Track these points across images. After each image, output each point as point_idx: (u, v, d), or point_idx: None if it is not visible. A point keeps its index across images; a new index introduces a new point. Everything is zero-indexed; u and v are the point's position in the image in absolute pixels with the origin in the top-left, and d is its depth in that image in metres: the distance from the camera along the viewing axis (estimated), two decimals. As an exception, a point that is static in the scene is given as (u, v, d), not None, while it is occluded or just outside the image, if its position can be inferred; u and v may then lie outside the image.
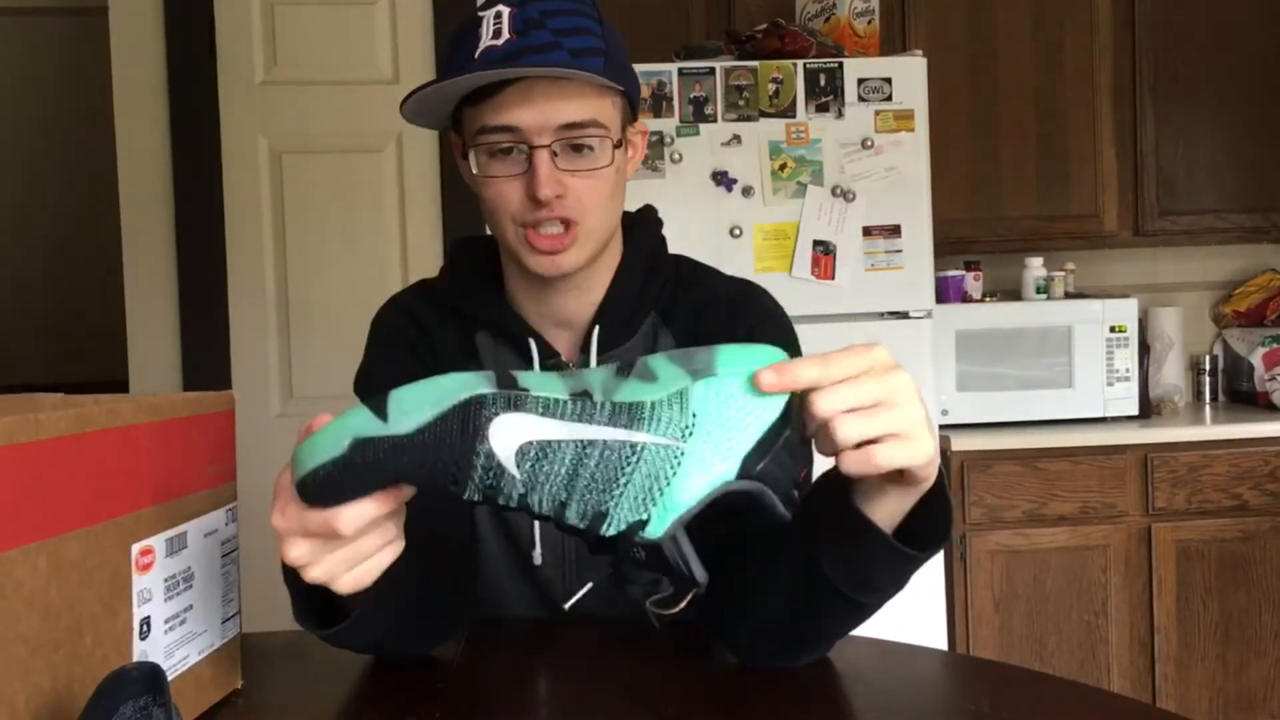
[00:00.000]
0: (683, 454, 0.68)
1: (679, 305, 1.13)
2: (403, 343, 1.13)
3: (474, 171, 1.04)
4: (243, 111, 2.76)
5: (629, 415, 0.69)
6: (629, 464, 0.68)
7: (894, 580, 0.86)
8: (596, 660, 0.98)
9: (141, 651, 0.78)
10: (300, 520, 0.73)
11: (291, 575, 0.83)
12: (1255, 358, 3.11)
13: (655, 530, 0.68)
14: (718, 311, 1.12)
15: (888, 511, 0.81)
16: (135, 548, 0.77)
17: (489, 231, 1.10)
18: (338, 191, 2.79)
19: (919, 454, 0.74)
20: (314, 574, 0.76)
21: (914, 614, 2.59)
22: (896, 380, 0.73)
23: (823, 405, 0.71)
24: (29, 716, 0.66)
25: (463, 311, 1.12)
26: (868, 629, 0.95)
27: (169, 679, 0.68)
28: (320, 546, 0.75)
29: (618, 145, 1.05)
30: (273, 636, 1.11)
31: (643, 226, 1.16)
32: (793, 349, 1.16)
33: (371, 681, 0.96)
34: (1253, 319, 3.28)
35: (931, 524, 0.82)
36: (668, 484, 0.68)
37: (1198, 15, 3.04)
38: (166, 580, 0.81)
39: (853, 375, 0.72)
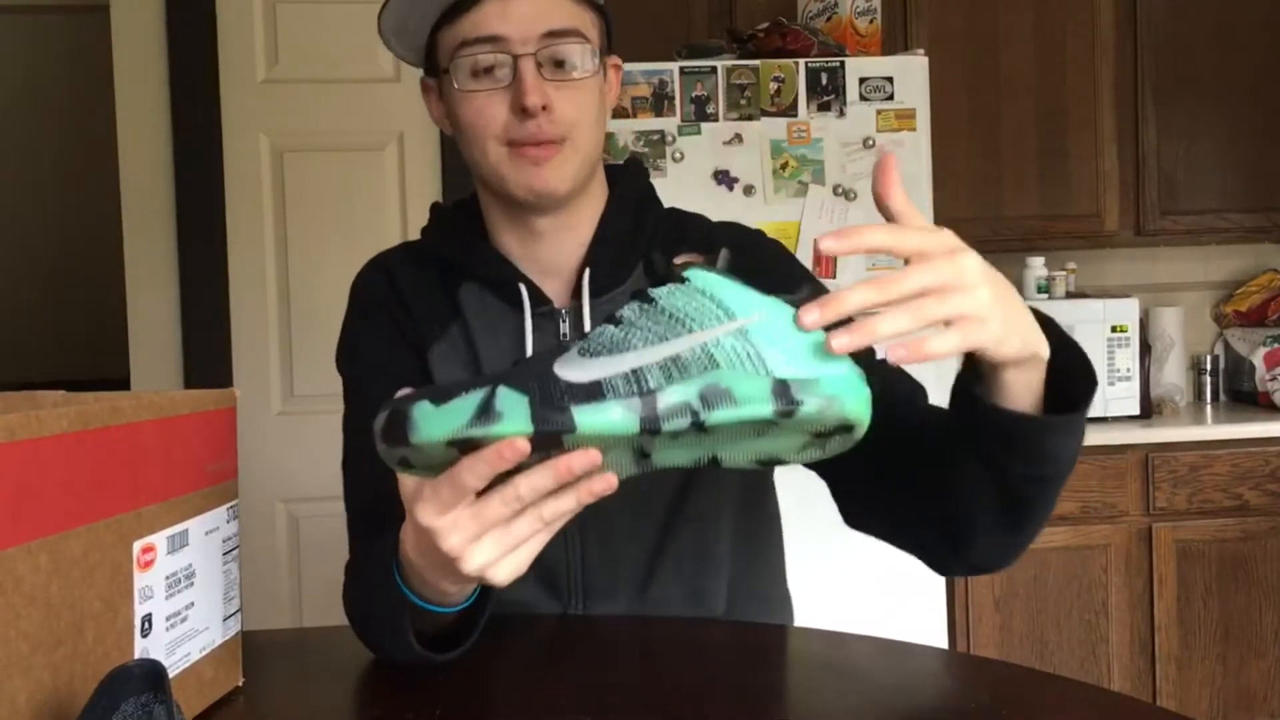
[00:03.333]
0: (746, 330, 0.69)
1: (672, 249, 1.08)
2: (382, 311, 1.11)
3: (455, 88, 1.01)
4: (244, 109, 2.76)
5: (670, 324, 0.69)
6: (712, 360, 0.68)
7: (1066, 445, 0.80)
8: (597, 659, 0.98)
9: (143, 649, 0.78)
10: (453, 484, 0.72)
11: (399, 610, 0.87)
12: (1256, 358, 3.11)
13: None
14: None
15: (1019, 391, 0.78)
16: (136, 545, 0.77)
17: (469, 163, 1.07)
18: (339, 190, 2.79)
19: (983, 337, 0.71)
20: (476, 560, 0.75)
21: (914, 612, 2.59)
22: (963, 263, 0.70)
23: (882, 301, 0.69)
24: (30, 713, 0.67)
25: (448, 262, 1.10)
26: (868, 628, 0.95)
27: (170, 676, 0.68)
28: (477, 530, 0.74)
29: (600, 56, 1.04)
30: (274, 634, 1.11)
31: (630, 172, 1.14)
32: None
33: (372, 679, 0.96)
34: (1254, 319, 3.28)
35: (1071, 379, 0.79)
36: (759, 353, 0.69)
37: (1199, 14, 3.04)
38: (168, 578, 0.81)
39: (924, 252, 0.70)
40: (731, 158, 2.58)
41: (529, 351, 1.04)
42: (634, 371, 0.68)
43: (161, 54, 2.73)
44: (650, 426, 0.68)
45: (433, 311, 1.08)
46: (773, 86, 2.58)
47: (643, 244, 1.09)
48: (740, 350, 0.68)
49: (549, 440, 0.69)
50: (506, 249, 1.09)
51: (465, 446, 0.70)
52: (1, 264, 4.33)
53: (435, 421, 0.69)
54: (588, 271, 1.06)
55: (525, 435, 0.68)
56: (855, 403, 0.69)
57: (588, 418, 0.68)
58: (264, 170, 2.77)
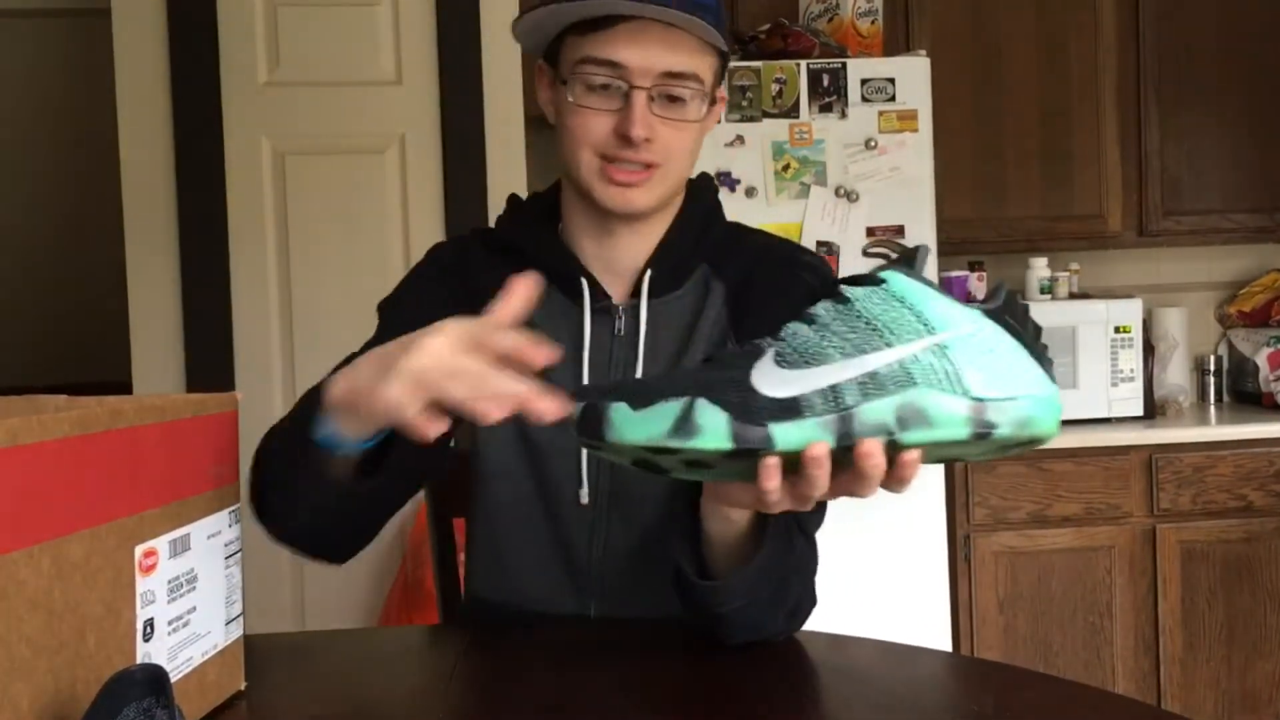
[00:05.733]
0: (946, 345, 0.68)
1: (732, 257, 1.14)
2: (445, 279, 1.15)
3: (569, 99, 1.05)
4: (246, 112, 2.76)
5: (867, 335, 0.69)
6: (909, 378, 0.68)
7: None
8: (599, 660, 0.98)
9: (145, 653, 0.78)
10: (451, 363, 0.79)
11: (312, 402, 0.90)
12: (1260, 358, 3.11)
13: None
14: (773, 262, 1.14)
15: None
16: (138, 549, 0.77)
17: (561, 159, 1.11)
18: (341, 193, 2.79)
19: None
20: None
21: (917, 615, 2.59)
22: None
23: None
24: (33, 718, 0.66)
25: (517, 250, 1.13)
26: (871, 630, 0.95)
27: (172, 681, 0.68)
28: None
29: (709, 103, 1.08)
30: (276, 638, 1.11)
31: (702, 187, 1.19)
32: None
33: (374, 682, 0.96)
34: (1258, 319, 3.27)
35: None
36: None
37: (1201, 14, 3.03)
38: (170, 582, 0.81)
39: None
40: (733, 159, 2.57)
41: (586, 346, 1.09)
42: (831, 388, 0.68)
43: (163, 57, 2.73)
44: (846, 443, 0.68)
45: (496, 295, 1.12)
46: (774, 88, 2.58)
47: (701, 254, 1.14)
48: (939, 368, 0.68)
49: (744, 454, 0.70)
50: (576, 242, 1.13)
51: (660, 451, 0.71)
52: (3, 267, 4.33)
53: (633, 427, 0.70)
54: (649, 272, 1.11)
55: (723, 451, 0.69)
56: (1048, 423, 0.70)
57: (785, 435, 0.69)
58: (265, 173, 2.77)
